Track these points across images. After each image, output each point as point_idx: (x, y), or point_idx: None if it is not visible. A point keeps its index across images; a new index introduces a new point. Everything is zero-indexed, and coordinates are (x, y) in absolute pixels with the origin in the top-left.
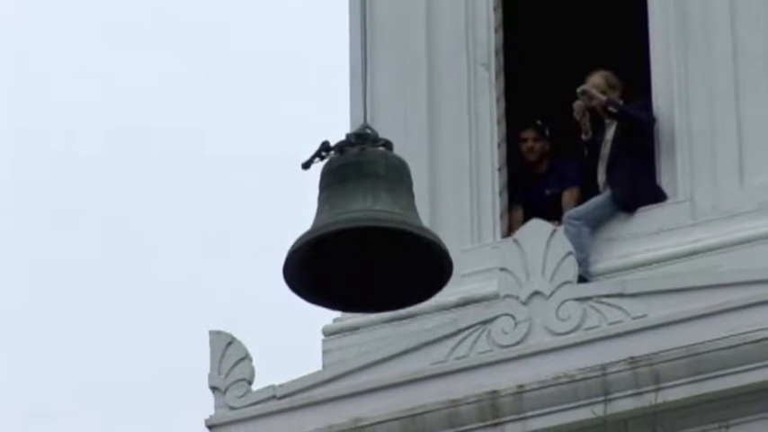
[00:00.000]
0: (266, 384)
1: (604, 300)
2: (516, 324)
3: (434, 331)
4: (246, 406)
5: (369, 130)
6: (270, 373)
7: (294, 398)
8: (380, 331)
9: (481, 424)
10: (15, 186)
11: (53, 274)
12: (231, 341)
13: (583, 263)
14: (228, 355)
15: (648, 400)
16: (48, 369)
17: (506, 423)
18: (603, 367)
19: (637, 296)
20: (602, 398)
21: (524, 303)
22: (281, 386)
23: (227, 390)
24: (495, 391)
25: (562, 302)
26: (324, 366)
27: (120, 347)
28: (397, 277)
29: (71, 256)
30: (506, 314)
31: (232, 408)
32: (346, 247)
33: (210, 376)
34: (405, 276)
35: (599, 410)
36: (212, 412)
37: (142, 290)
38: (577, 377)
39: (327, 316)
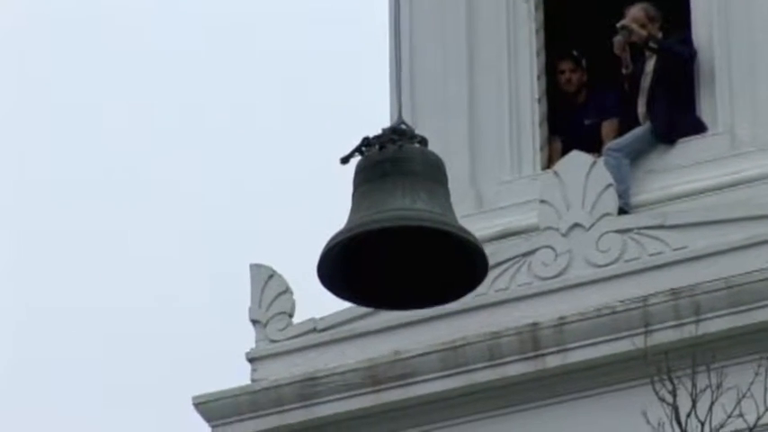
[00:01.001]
0: (307, 317)
1: (644, 231)
2: (556, 256)
3: None
4: (287, 339)
5: (404, 126)
6: (310, 306)
7: (335, 331)
8: None
9: (522, 356)
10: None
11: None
12: (272, 275)
13: (623, 194)
14: (269, 289)
15: (689, 331)
16: (94, 281)
17: (547, 355)
18: (644, 299)
19: (677, 228)
20: (642, 329)
21: (564, 235)
22: (321, 319)
23: (267, 323)
24: (535, 324)
25: (602, 234)
26: None
27: (161, 279)
28: (433, 276)
29: (115, 178)
30: (546, 246)
31: (273, 341)
32: (382, 244)
33: (251, 310)
34: (440, 275)
35: (639, 342)
36: (253, 345)
37: (185, 222)
38: (618, 309)
39: None
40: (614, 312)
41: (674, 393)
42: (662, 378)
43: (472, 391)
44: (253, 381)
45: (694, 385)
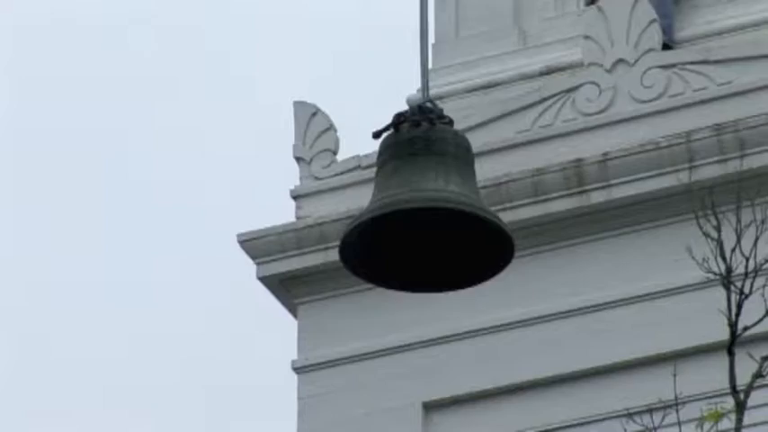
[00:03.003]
0: (351, 155)
1: (689, 67)
2: (601, 92)
3: (519, 100)
4: (331, 176)
5: (429, 104)
6: (355, 142)
7: None
8: (465, 101)
9: (566, 192)
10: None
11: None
12: (315, 112)
13: (667, 30)
14: (313, 126)
15: (733, 166)
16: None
17: (591, 191)
18: (688, 134)
19: (721, 63)
20: (686, 165)
21: (608, 71)
22: (366, 156)
23: (311, 160)
24: (579, 160)
25: (646, 70)
26: None
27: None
28: (459, 259)
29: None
30: (591, 82)
31: (317, 178)
32: (410, 224)
33: (295, 147)
34: (467, 258)
35: (684, 177)
36: (298, 183)
37: (232, 67)
38: (662, 144)
39: (413, 83)
40: (658, 148)
41: (718, 229)
42: (706, 213)
43: (516, 228)
44: (297, 218)
45: (739, 220)
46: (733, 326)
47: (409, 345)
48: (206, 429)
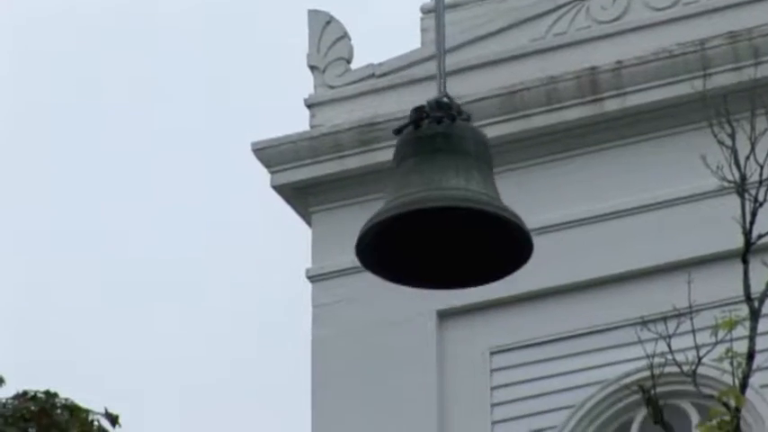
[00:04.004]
0: (365, 63)
1: None
2: (615, 0)
3: (533, 8)
4: (345, 85)
5: (447, 99)
6: (369, 51)
7: (393, 76)
8: (480, 9)
9: (580, 100)
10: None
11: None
12: (329, 20)
13: None
14: (327, 34)
15: (747, 74)
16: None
17: (605, 99)
18: (702, 42)
19: None
20: (701, 72)
21: None
22: (380, 65)
23: (325, 69)
24: (593, 68)
25: None
26: (422, 44)
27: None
28: (475, 256)
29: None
30: None
31: (331, 87)
32: (429, 222)
33: (309, 55)
34: (483, 256)
35: (698, 85)
36: (312, 91)
37: None
38: (676, 52)
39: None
40: (672, 56)
41: (732, 136)
42: (720, 121)
43: (530, 136)
44: (311, 127)
45: (753, 128)
46: (747, 234)
47: None
48: (223, 337)
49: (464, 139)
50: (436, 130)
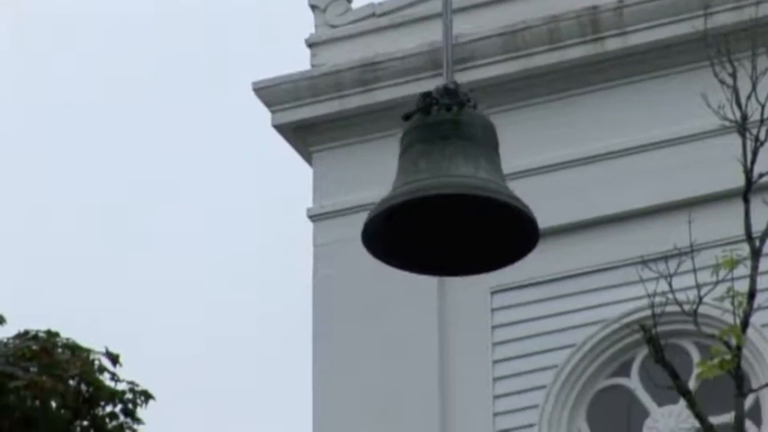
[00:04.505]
0: (366, 2)
1: None
2: None
3: None
4: (346, 24)
5: (453, 85)
6: None
7: (394, 15)
8: None
9: (581, 39)
10: None
11: None
12: None
13: None
14: None
15: (749, 13)
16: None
17: (606, 38)
18: None
19: None
20: (701, 12)
21: None
22: (380, 4)
23: (326, 8)
24: (595, 6)
25: None
26: None
27: None
28: (482, 245)
29: None
30: None
31: (332, 26)
32: (436, 209)
33: None
34: (489, 245)
35: (699, 24)
36: (313, 31)
37: None
38: None
39: None
40: None
41: (733, 76)
42: (721, 60)
43: (531, 75)
44: (312, 66)
45: (754, 67)
46: (748, 173)
47: None
48: (224, 279)
49: (473, 126)
50: (445, 117)
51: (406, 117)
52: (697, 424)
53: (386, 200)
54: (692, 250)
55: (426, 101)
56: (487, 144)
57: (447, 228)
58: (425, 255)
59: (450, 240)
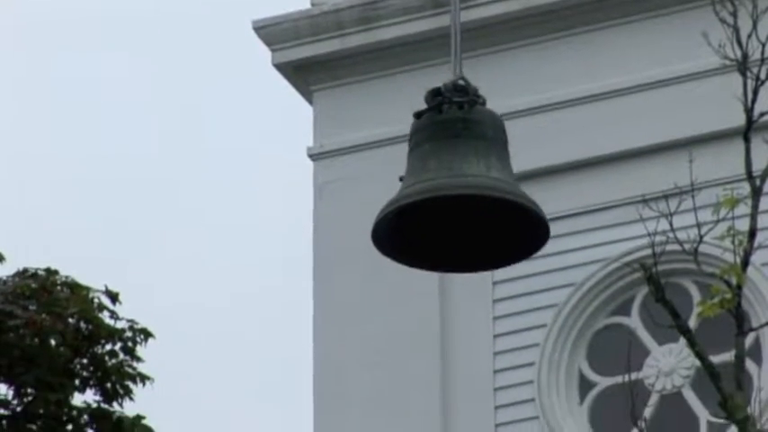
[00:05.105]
0: None
1: None
2: None
3: None
4: None
5: (462, 81)
6: None
7: None
8: None
9: None
10: None
11: None
12: None
13: None
14: None
15: None
16: None
17: None
18: None
19: None
20: None
21: None
22: None
23: None
24: None
25: None
26: None
27: None
28: (490, 242)
29: None
30: None
31: None
32: (447, 207)
33: None
34: (498, 242)
35: None
36: None
37: None
38: None
39: None
40: None
41: (734, 14)
42: None
43: (529, 14)
44: (313, 4)
45: (755, 6)
46: (749, 112)
47: None
48: (224, 218)
49: (483, 125)
50: (456, 115)
51: (418, 116)
52: (697, 363)
53: (397, 199)
54: (692, 189)
55: (437, 100)
56: (497, 142)
57: (456, 225)
58: (433, 251)
59: (458, 237)
